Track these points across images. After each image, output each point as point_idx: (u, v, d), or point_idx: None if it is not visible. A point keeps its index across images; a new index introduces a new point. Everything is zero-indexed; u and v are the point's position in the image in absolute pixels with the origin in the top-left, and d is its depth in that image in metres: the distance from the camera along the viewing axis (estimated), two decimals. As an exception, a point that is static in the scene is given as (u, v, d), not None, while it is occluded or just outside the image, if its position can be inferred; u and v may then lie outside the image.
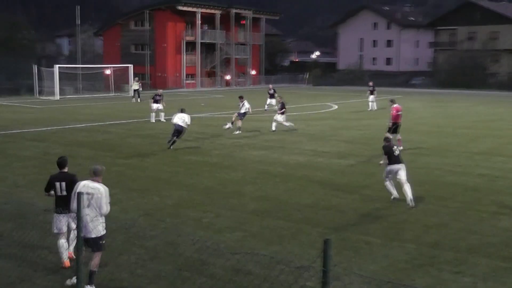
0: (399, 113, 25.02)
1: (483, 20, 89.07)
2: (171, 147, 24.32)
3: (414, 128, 32.86)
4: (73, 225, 10.64)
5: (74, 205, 9.62)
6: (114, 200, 15.40)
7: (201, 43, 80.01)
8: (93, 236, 9.58)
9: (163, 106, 35.33)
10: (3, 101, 51.82)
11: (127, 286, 9.82)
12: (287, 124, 30.45)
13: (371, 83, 44.94)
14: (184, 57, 79.36)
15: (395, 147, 16.08)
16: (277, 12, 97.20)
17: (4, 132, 29.80)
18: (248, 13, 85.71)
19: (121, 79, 66.65)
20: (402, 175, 15.44)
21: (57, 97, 54.71)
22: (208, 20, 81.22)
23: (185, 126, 24.53)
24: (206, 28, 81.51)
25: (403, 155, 16.18)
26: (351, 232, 12.97)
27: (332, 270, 5.87)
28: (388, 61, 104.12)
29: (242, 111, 30.07)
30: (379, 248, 11.92)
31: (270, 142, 26.90)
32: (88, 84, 66.22)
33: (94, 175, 9.85)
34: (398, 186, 15.63)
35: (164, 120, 35.19)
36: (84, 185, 9.73)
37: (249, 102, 30.75)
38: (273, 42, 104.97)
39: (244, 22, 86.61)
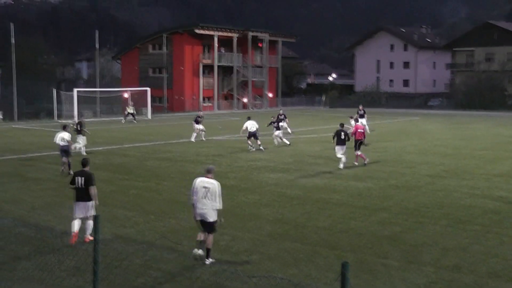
0: (359, 130, 26.78)
1: (500, 41, 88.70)
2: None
3: (432, 150, 32.68)
4: (88, 213, 13.41)
5: (194, 197, 12.10)
6: (131, 223, 15.47)
7: (218, 66, 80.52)
8: (211, 220, 12.04)
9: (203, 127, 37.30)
10: (23, 125, 52.34)
11: (144, 309, 9.77)
12: (285, 140, 34.44)
13: (361, 107, 43.90)
14: (202, 80, 79.81)
15: (342, 133, 24.78)
16: (294, 35, 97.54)
17: (23, 156, 30.02)
18: (265, 36, 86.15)
19: (139, 102, 67.03)
20: (340, 152, 24.87)
21: (76, 120, 55.00)
22: (225, 43, 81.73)
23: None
24: (223, 51, 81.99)
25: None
26: (369, 255, 12.85)
27: (349, 294, 5.80)
28: (406, 82, 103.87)
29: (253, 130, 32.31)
30: (397, 271, 11.79)
31: (287, 164, 26.84)
32: (106, 107, 66.72)
33: (207, 173, 12.29)
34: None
35: (204, 139, 36.02)
36: (201, 181, 12.15)
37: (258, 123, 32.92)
38: (289, 65, 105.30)
39: (261, 44, 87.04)
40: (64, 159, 24.24)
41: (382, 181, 22.26)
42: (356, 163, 26.21)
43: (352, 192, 20.22)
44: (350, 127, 29.85)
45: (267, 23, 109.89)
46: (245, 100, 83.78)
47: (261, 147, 32.03)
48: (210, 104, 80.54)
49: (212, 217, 12.06)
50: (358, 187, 21.03)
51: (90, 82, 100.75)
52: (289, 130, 41.11)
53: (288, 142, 34.28)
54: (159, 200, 18.72)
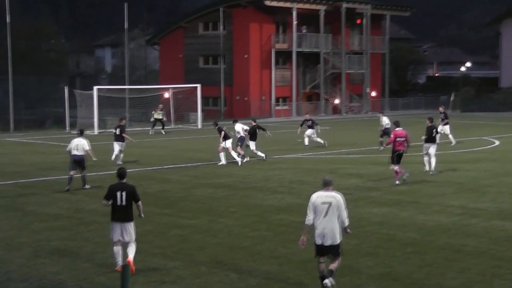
0: (398, 139, 28.17)
1: None
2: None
3: None
4: (126, 238, 15.61)
5: (310, 217, 14.01)
6: (173, 277, 15.60)
7: (297, 52, 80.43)
8: (335, 243, 13.98)
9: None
10: (22, 137, 53.41)
11: None
12: (319, 139, 42.31)
13: (441, 109, 43.67)
14: (274, 73, 79.98)
15: (434, 130, 31.27)
16: (408, 7, 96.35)
17: (23, 181, 30.72)
18: (366, 8, 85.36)
19: (185, 105, 67.48)
20: (432, 151, 30.59)
21: (96, 131, 55.68)
22: (308, 19, 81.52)
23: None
24: (305, 31, 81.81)
25: None
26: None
27: None
28: None
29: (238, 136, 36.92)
30: None
31: (397, 194, 26.55)
32: (139, 113, 67.19)
33: (325, 185, 14.10)
34: None
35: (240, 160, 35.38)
36: (319, 196, 14.00)
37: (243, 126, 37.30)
38: (402, 50, 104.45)
39: (360, 21, 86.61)
40: (73, 172, 27.49)
41: (541, 220, 21.80)
42: (397, 182, 28.31)
43: (497, 236, 19.82)
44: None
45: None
46: (336, 101, 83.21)
47: (238, 158, 35.55)
48: (286, 108, 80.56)
49: (336, 239, 13.99)
50: (506, 229, 20.61)
51: (116, 77, 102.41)
52: (319, 139, 43.23)
53: (242, 159, 35.92)
54: (214, 245, 18.78)
